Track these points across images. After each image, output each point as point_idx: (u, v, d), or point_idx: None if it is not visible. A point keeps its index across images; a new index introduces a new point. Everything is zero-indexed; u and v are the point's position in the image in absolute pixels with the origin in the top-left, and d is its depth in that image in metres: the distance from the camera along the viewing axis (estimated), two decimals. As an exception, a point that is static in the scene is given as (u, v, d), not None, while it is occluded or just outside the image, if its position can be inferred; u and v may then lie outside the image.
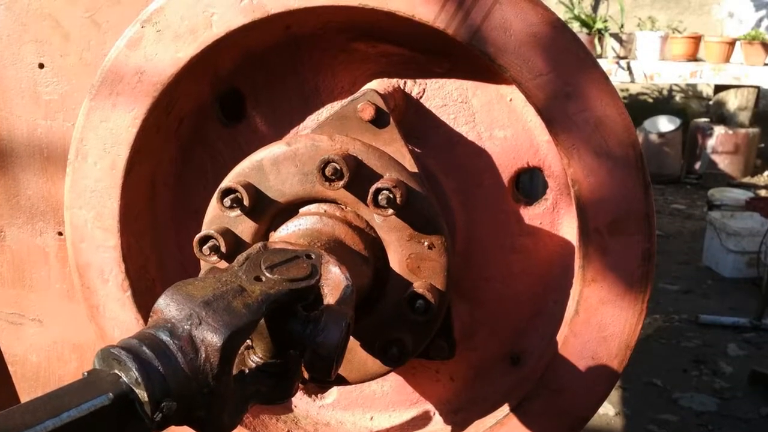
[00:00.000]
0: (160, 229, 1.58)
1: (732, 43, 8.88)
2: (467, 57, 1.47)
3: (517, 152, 1.58)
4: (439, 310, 1.39)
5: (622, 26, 9.34)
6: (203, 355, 0.89)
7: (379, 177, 1.32)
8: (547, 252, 1.62)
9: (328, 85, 1.52)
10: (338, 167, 1.24)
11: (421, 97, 1.55)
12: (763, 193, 8.57)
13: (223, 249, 1.27)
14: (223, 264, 1.27)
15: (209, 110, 1.55)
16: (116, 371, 0.80)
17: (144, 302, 1.54)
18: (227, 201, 1.25)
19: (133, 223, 1.48)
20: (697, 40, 8.87)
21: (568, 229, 1.58)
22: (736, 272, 6.18)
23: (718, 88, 9.38)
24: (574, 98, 1.39)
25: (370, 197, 1.27)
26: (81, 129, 1.47)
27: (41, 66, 1.67)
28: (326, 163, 1.24)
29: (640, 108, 10.33)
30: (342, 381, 1.34)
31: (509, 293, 1.64)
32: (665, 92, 11.03)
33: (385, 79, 1.51)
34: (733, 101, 9.28)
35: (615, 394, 4.27)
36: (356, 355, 1.34)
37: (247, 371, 1.01)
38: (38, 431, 0.73)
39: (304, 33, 1.45)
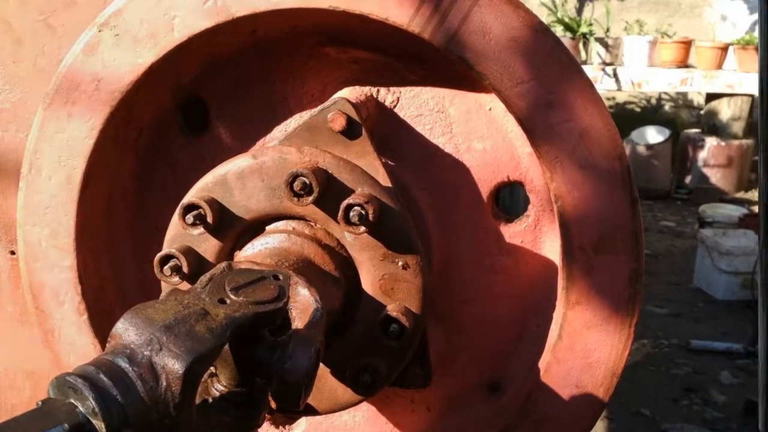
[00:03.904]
0: (119, 248, 1.60)
1: (725, 49, 8.98)
2: (444, 63, 1.49)
3: (497, 165, 1.60)
4: (414, 334, 1.42)
5: (608, 30, 9.45)
6: (164, 384, 0.91)
7: (350, 192, 1.34)
8: (529, 272, 1.64)
9: (296, 93, 1.55)
10: (307, 181, 1.26)
11: (395, 106, 1.58)
12: (757, 209, 8.67)
13: (185, 269, 1.28)
14: (186, 285, 1.29)
15: (171, 120, 1.57)
16: (72, 400, 0.81)
17: (101, 326, 1.54)
18: (190, 218, 1.27)
19: (89, 242, 1.49)
20: (687, 45, 8.97)
21: (551, 247, 1.61)
22: (729, 294, 6.22)
23: (710, 97, 9.51)
24: (557, 107, 1.41)
25: (341, 214, 1.30)
26: (35, 140, 1.49)
27: (-8, 73, 1.69)
28: (295, 177, 1.26)
29: (628, 118, 10.41)
30: (311, 411, 1.36)
31: (489, 317, 1.66)
32: (654, 101, 11.16)
33: (357, 87, 1.54)
34: (725, 111, 9.40)
35: (601, 425, 4.30)
36: (326, 383, 1.36)
37: (210, 400, 1.03)
38: (-12, 465, 0.75)
39: (271, 37, 1.48)
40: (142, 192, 1.62)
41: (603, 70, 8.68)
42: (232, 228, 1.33)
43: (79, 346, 1.51)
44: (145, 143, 1.58)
